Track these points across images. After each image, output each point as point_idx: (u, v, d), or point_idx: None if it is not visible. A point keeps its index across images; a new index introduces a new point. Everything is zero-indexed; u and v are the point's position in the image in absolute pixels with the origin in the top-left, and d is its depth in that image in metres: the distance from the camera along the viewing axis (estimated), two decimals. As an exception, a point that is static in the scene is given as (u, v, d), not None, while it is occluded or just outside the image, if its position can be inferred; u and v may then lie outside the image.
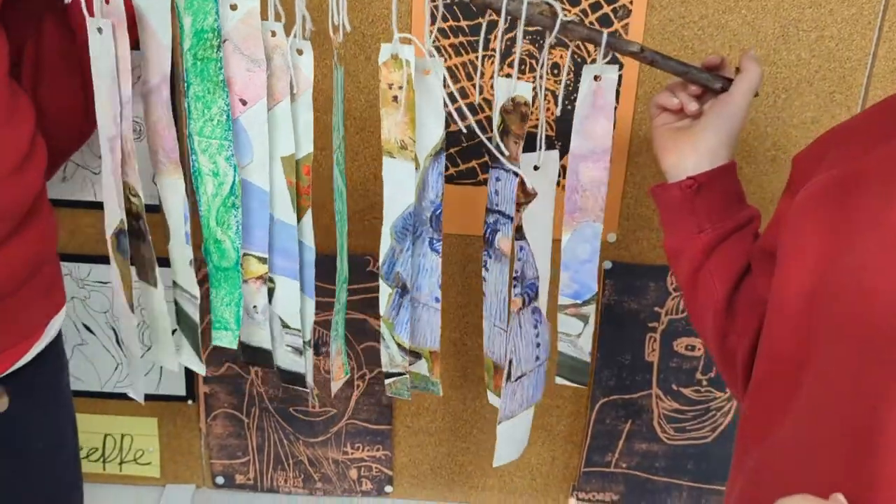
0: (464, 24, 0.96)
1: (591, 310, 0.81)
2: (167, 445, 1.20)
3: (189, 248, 0.79)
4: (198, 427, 1.18)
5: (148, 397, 1.14)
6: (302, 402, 1.17)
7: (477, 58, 0.97)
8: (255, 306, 0.82)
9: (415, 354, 0.85)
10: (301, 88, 0.72)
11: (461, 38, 0.96)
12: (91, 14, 0.71)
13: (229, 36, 0.70)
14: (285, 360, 0.85)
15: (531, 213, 0.76)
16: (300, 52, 0.71)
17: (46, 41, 0.82)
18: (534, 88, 0.71)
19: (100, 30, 0.71)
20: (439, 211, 0.76)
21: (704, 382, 1.12)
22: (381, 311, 0.80)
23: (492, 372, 0.83)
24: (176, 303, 0.85)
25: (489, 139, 0.72)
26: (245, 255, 0.79)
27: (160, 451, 1.20)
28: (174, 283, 0.83)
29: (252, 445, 1.19)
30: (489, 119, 0.96)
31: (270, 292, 0.81)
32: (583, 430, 1.16)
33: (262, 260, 0.78)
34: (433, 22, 0.70)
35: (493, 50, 0.95)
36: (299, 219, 0.77)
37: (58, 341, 0.89)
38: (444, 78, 0.70)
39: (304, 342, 0.84)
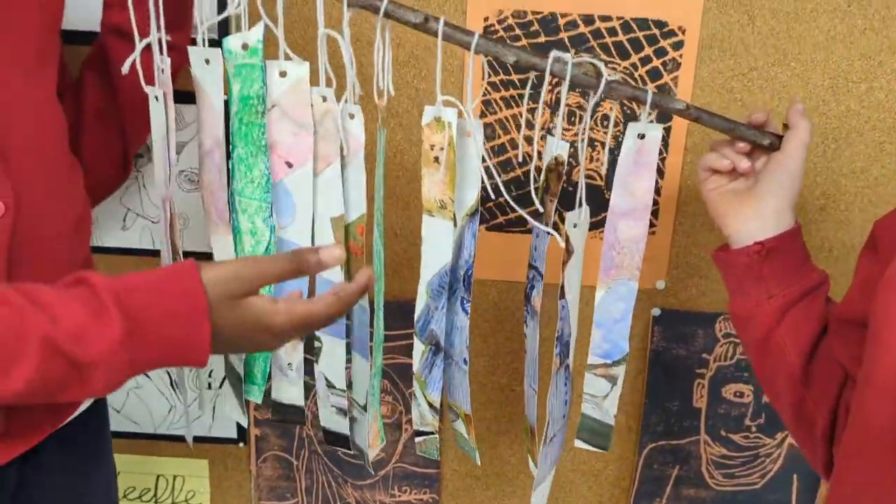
0: (514, 77, 0.98)
1: (620, 371, 0.79)
2: (217, 486, 1.22)
3: None
4: (248, 469, 1.20)
5: (199, 440, 1.16)
6: (350, 445, 1.18)
7: (527, 111, 0.99)
8: (289, 364, 0.83)
9: (453, 412, 0.85)
10: (353, 151, 0.74)
11: (511, 92, 0.98)
12: (150, 83, 0.74)
13: (278, 101, 0.72)
14: (329, 420, 0.86)
15: (568, 270, 0.76)
16: (352, 116, 0.73)
17: (87, 97, 0.84)
18: (573, 144, 0.72)
19: (157, 98, 0.75)
20: (471, 271, 0.76)
21: (753, 428, 1.11)
22: (415, 368, 0.80)
23: (529, 434, 0.83)
24: (225, 355, 0.87)
25: (515, 199, 0.73)
26: None
27: (211, 492, 1.22)
28: None
29: (301, 487, 1.20)
30: (527, 174, 0.98)
31: (317, 351, 0.82)
32: (630, 475, 1.16)
33: None
34: (484, 77, 0.71)
35: (543, 103, 0.97)
36: (352, 278, 0.79)
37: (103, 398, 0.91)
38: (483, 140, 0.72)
39: (360, 405, 0.84)
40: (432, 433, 0.84)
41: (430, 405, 0.82)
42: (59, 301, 0.56)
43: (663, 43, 0.95)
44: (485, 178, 0.72)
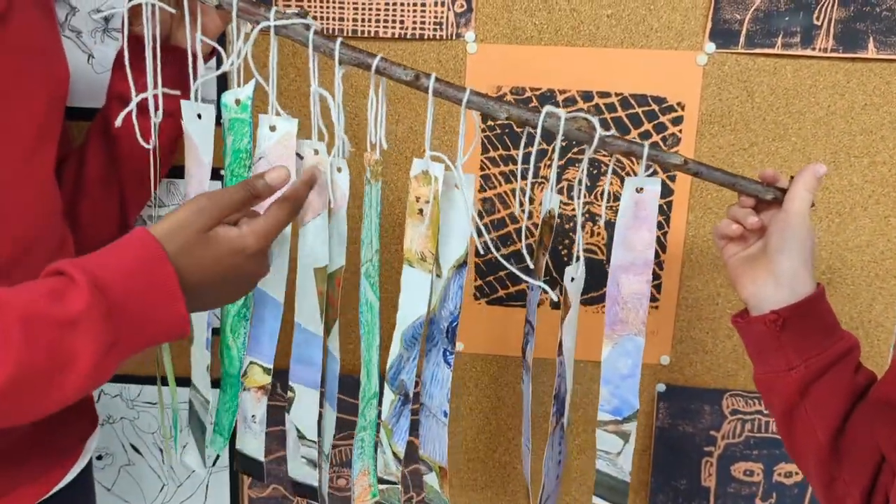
0: (514, 153, 0.98)
1: (632, 427, 0.78)
2: (209, 568, 1.17)
3: (208, 354, 0.82)
4: (241, 550, 1.16)
5: (191, 518, 1.12)
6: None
7: (527, 184, 0.98)
8: (253, 416, 0.83)
9: (426, 465, 0.83)
10: (338, 204, 0.75)
11: (511, 167, 0.98)
12: (147, 141, 0.77)
13: (265, 154, 0.74)
14: (299, 471, 0.85)
15: (566, 325, 0.75)
16: (339, 170, 0.74)
17: (89, 163, 0.85)
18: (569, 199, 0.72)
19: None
20: (455, 323, 0.76)
21: (764, 508, 1.08)
22: (383, 416, 0.80)
23: (528, 493, 0.81)
24: (190, 403, 0.87)
25: (505, 257, 0.73)
26: (251, 363, 0.80)
27: (202, 575, 1.17)
28: (192, 384, 0.86)
29: (295, 570, 1.16)
30: (518, 231, 0.97)
31: (289, 400, 0.81)
32: (638, 559, 1.12)
33: (267, 371, 0.80)
34: (477, 139, 0.72)
35: (536, 167, 0.96)
36: (330, 328, 0.79)
37: (89, 466, 0.89)
38: (472, 195, 0.72)
39: (323, 454, 0.84)
40: (395, 483, 0.83)
41: (395, 455, 0.81)
42: (29, 284, 0.58)
43: (663, 118, 0.95)
44: (474, 233, 0.72)
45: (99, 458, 1.12)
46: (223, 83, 0.95)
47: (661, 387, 1.04)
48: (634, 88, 0.94)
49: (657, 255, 1.00)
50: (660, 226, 0.99)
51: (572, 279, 0.73)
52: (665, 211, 0.98)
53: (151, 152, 0.78)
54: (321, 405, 0.82)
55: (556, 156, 0.69)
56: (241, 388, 0.82)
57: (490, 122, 0.97)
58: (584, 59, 0.93)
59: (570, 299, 0.73)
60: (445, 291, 0.75)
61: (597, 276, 0.97)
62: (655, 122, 0.94)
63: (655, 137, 0.95)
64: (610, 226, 0.95)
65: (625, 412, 0.77)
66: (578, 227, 0.72)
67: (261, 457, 0.84)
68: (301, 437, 0.83)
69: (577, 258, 0.73)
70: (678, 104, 0.94)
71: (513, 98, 0.95)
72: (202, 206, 0.64)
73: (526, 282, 0.74)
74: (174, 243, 0.62)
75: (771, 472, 1.06)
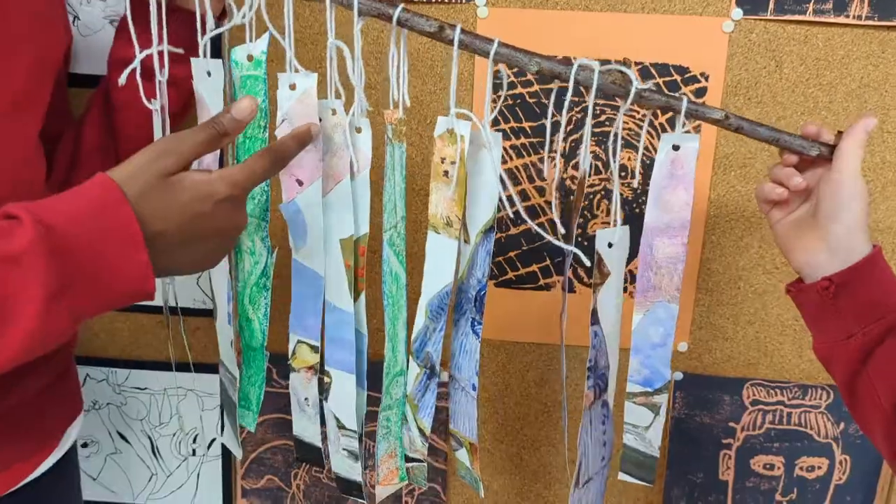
0: (526, 125, 0.92)
1: (662, 399, 0.74)
2: (200, 563, 1.12)
3: (230, 329, 0.77)
4: (233, 543, 1.10)
5: (182, 510, 1.07)
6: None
7: (540, 160, 0.93)
8: (305, 398, 0.78)
9: (456, 440, 0.79)
10: (360, 167, 0.70)
11: (522, 140, 0.92)
12: (152, 97, 0.72)
13: (287, 116, 0.69)
14: (341, 466, 0.80)
15: (602, 293, 0.71)
16: (359, 130, 0.69)
17: (87, 133, 0.80)
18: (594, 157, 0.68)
19: (156, 111, 0.73)
20: (484, 292, 0.72)
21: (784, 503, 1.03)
22: (408, 391, 0.75)
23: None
24: (221, 382, 0.83)
25: (517, 233, 0.68)
26: (299, 342, 0.76)
27: (192, 569, 1.12)
28: (220, 360, 0.81)
29: (290, 565, 1.10)
30: (529, 209, 0.92)
31: (326, 387, 0.77)
32: (650, 556, 1.07)
33: (314, 349, 0.75)
34: (495, 91, 0.67)
35: (554, 151, 0.91)
36: (354, 302, 0.74)
37: (72, 454, 0.84)
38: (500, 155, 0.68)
39: (358, 439, 0.79)
40: (421, 461, 0.78)
41: (421, 431, 0.76)
42: None
43: (685, 90, 0.89)
44: (502, 193, 0.67)
45: (84, 445, 1.06)
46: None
47: (679, 375, 0.99)
48: (655, 57, 0.89)
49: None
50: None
51: (610, 245, 0.69)
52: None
53: (160, 112, 0.72)
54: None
55: (590, 113, 0.64)
56: (291, 369, 0.77)
57: (499, 93, 0.91)
58: (601, 25, 0.88)
59: (606, 266, 0.69)
60: (473, 258, 0.71)
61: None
62: (677, 93, 0.89)
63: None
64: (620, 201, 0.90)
65: (656, 383, 0.73)
66: (616, 189, 0.68)
67: (318, 442, 0.79)
68: (340, 426, 0.78)
69: (614, 221, 0.69)
70: (702, 74, 0.89)
71: (514, 70, 0.90)
72: (164, 147, 0.58)
73: (564, 249, 0.69)
74: (134, 187, 0.56)
75: (792, 465, 1.01)
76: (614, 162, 0.68)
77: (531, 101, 0.91)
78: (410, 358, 0.74)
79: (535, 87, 0.91)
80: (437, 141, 0.67)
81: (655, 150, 0.66)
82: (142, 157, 0.57)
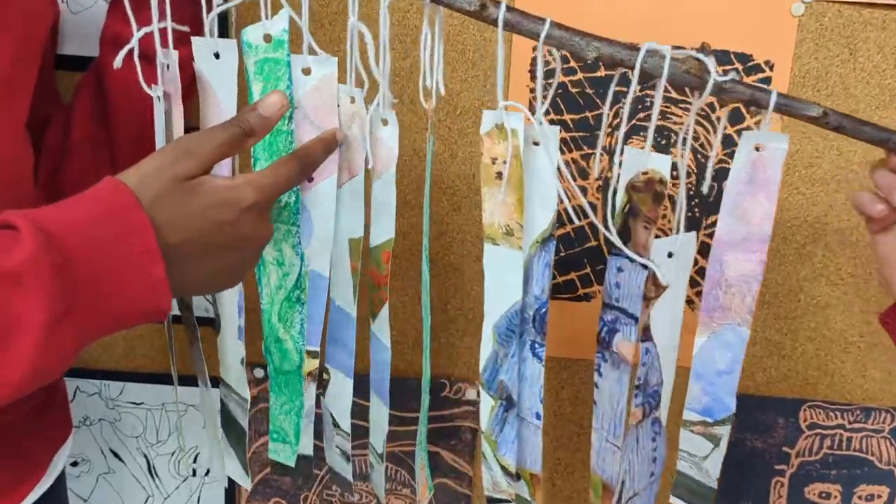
0: (567, 118, 0.83)
1: (724, 431, 0.66)
2: (200, 591, 1.03)
3: (242, 345, 0.69)
4: (236, 572, 1.02)
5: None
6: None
7: (583, 156, 0.84)
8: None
9: (515, 475, 0.72)
10: (384, 164, 0.62)
11: (563, 135, 0.83)
12: (153, 82, 0.63)
13: (300, 104, 0.61)
14: (333, 460, 0.77)
15: (658, 308, 0.63)
16: (385, 123, 0.61)
17: (76, 121, 0.72)
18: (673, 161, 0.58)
19: (158, 98, 0.64)
20: (544, 309, 0.64)
21: (839, 535, 0.94)
22: (483, 426, 0.68)
23: (599, 492, 0.70)
24: (223, 404, 0.75)
25: (576, 230, 0.60)
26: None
27: None
28: (222, 381, 0.73)
29: None
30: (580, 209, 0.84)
31: (325, 383, 0.72)
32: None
33: (314, 354, 0.69)
34: (548, 78, 0.58)
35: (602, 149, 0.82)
36: (376, 312, 0.67)
37: (61, 483, 0.75)
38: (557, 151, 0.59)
39: (377, 453, 0.74)
40: (508, 501, 0.72)
41: (504, 469, 0.69)
42: None
43: (747, 80, 0.80)
44: (562, 193, 0.58)
45: (74, 464, 0.98)
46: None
47: (729, 395, 0.90)
48: (714, 44, 0.79)
49: (731, 243, 0.86)
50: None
51: (670, 254, 0.60)
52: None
53: (163, 100, 0.63)
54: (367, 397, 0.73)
55: (657, 104, 0.55)
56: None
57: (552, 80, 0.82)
58: (653, 7, 0.79)
59: (661, 279, 0.61)
60: (529, 272, 0.63)
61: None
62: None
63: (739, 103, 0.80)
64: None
65: (717, 414, 0.65)
66: (682, 191, 0.59)
67: (309, 451, 0.74)
68: (335, 424, 0.73)
69: (677, 228, 0.60)
70: (766, 63, 0.80)
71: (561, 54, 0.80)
72: (182, 148, 0.51)
73: (631, 259, 0.61)
74: (148, 191, 0.49)
75: (850, 494, 0.93)
76: (682, 161, 0.59)
77: (574, 90, 0.82)
78: (482, 390, 0.67)
79: (580, 76, 0.82)
80: (485, 139, 0.58)
81: (710, 147, 0.58)
82: (157, 158, 0.50)
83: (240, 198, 0.51)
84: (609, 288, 0.63)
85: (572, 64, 0.81)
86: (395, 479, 0.97)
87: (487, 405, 0.67)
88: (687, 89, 0.57)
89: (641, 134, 0.83)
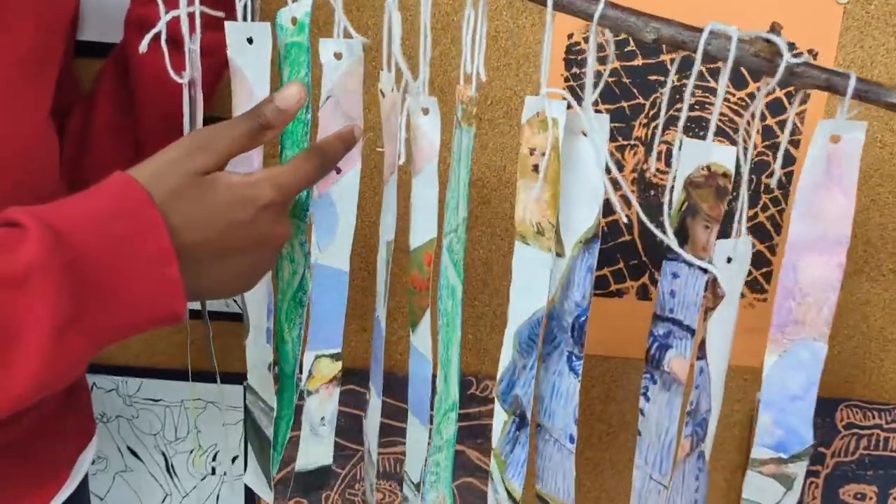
0: (602, 108, 0.80)
1: (799, 469, 0.58)
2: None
3: (270, 349, 0.66)
4: (255, 573, 1.00)
5: (200, 536, 0.96)
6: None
7: (618, 148, 0.81)
8: (322, 418, 0.67)
9: (542, 501, 0.67)
10: (424, 157, 0.58)
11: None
12: (181, 69, 0.59)
13: (333, 91, 0.58)
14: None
15: (713, 322, 0.57)
16: (426, 112, 0.57)
17: (99, 107, 0.70)
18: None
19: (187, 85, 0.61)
20: (584, 318, 0.58)
21: (875, 537, 0.92)
22: (494, 443, 0.63)
23: None
24: (248, 411, 0.71)
25: (658, 225, 0.55)
26: (317, 358, 0.65)
27: None
28: (247, 386, 0.69)
29: None
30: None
31: (366, 407, 0.68)
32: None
33: (336, 356, 0.65)
34: (584, 67, 0.55)
35: (636, 140, 0.80)
36: (416, 322, 0.63)
37: (84, 487, 0.73)
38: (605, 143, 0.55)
39: (412, 483, 0.68)
40: None
41: (510, 494, 0.63)
42: None
43: (790, 69, 0.77)
44: (609, 189, 0.54)
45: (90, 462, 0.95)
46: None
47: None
48: (755, 31, 0.76)
49: (769, 238, 0.84)
50: (775, 201, 0.82)
51: (729, 259, 0.56)
52: (784, 183, 0.81)
53: (189, 88, 0.60)
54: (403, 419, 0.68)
55: (720, 93, 0.52)
56: (307, 393, 0.66)
57: (574, 70, 0.80)
58: (694, -6, 0.76)
59: (721, 287, 0.56)
60: (570, 275, 0.58)
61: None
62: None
63: (779, 93, 0.78)
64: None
65: (792, 447, 0.57)
66: (743, 190, 0.55)
67: (328, 460, 0.68)
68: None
69: (738, 231, 0.56)
70: (810, 52, 0.77)
71: (586, 46, 0.78)
72: (197, 142, 0.49)
73: (686, 262, 0.56)
74: (161, 187, 0.46)
75: (886, 495, 0.91)
76: (745, 158, 0.55)
77: (610, 79, 0.79)
78: (496, 402, 0.61)
79: (616, 64, 0.79)
80: (525, 128, 0.55)
81: (749, 139, 0.55)
82: (170, 152, 0.48)
83: (258, 195, 0.49)
84: (662, 297, 0.57)
85: (606, 52, 0.79)
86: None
87: (500, 420, 0.62)
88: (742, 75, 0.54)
89: (671, 127, 0.80)
